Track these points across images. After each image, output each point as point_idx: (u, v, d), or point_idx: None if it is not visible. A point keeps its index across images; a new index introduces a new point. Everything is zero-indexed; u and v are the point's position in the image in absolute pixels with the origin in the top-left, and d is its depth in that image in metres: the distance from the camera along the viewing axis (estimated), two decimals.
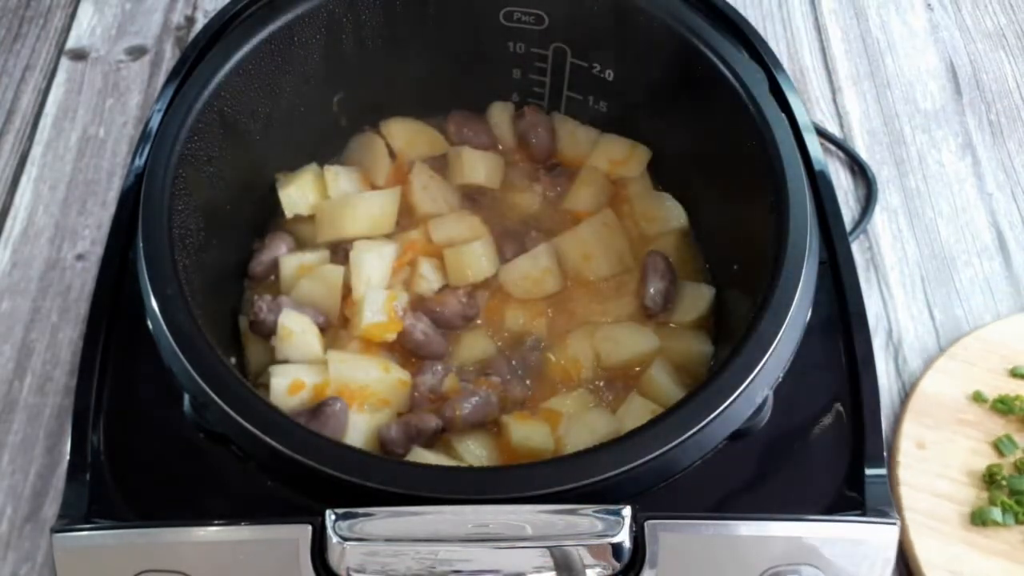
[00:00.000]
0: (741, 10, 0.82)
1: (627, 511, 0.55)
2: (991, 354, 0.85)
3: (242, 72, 0.73)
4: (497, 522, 0.54)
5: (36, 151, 0.94)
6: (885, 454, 0.63)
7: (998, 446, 0.79)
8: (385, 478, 0.56)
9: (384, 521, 0.54)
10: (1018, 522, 0.76)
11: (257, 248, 0.81)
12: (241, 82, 0.73)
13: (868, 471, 0.61)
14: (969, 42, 1.08)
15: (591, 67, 0.84)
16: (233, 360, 0.74)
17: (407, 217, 0.84)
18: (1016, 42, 1.08)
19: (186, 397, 0.61)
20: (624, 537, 0.54)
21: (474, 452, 0.71)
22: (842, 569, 0.57)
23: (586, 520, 0.54)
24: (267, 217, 0.83)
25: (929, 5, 1.11)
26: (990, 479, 0.77)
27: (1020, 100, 1.03)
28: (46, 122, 0.97)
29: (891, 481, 0.75)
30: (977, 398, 0.82)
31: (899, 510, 0.75)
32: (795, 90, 0.77)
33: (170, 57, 1.02)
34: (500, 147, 0.89)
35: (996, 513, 0.75)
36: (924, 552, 0.74)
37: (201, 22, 1.04)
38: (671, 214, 0.84)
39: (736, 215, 0.76)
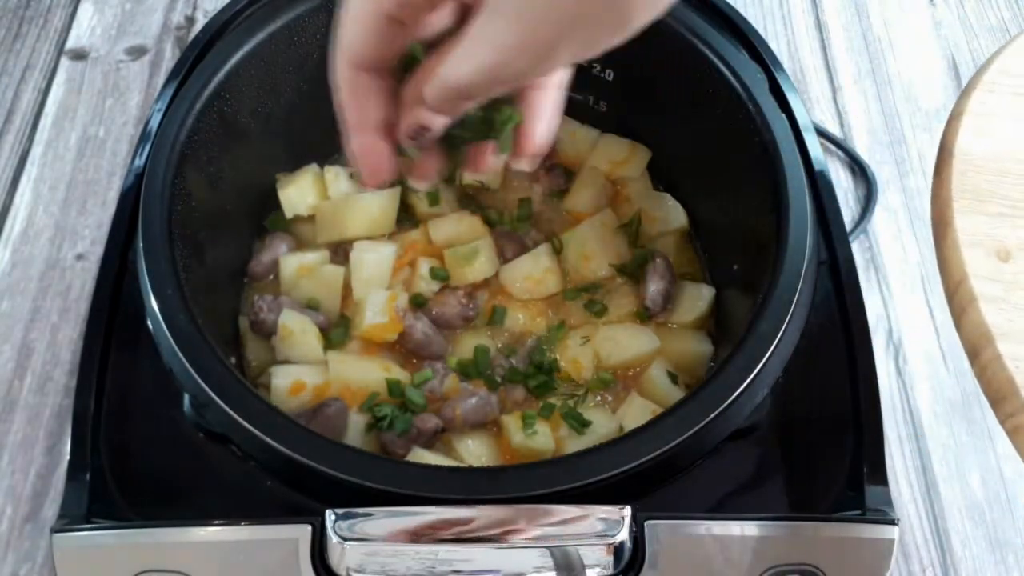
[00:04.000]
0: (741, 9, 0.82)
1: (627, 511, 0.55)
2: None
3: (242, 72, 0.73)
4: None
5: (36, 151, 0.94)
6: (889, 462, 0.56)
7: None
8: (385, 478, 0.56)
9: (384, 521, 0.54)
10: None
11: (257, 248, 0.81)
12: (241, 82, 0.73)
13: (868, 471, 0.61)
14: (972, 38, 1.08)
15: (591, 67, 0.84)
16: (233, 360, 0.74)
17: (407, 217, 0.84)
18: None
19: (186, 397, 0.61)
20: (624, 537, 0.54)
21: (474, 452, 0.71)
22: (842, 569, 0.57)
23: (586, 520, 0.54)
24: (267, 217, 0.83)
25: (932, 1, 1.11)
26: None
27: None
28: (46, 122, 0.97)
29: (974, 340, 0.44)
30: None
31: (1003, 400, 0.43)
32: (795, 90, 0.77)
33: (170, 57, 1.02)
34: None
35: None
36: None
37: (201, 22, 1.04)
38: (671, 214, 0.84)
39: (736, 215, 0.76)
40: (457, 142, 0.52)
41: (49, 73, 1.00)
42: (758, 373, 0.59)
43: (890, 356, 0.86)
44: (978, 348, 0.44)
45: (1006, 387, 0.43)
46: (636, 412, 0.72)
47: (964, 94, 0.54)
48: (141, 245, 0.64)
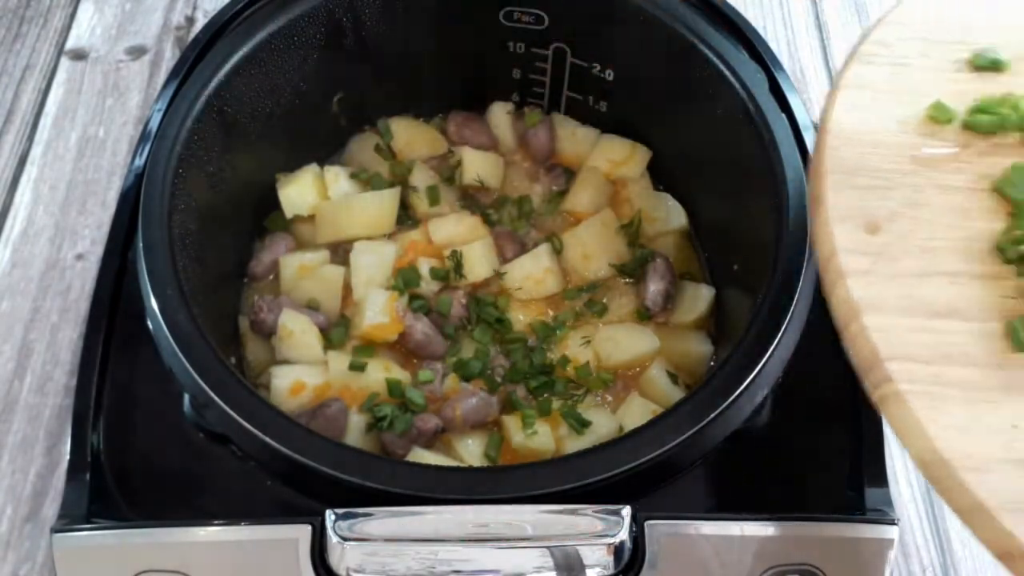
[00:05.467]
0: (741, 9, 0.82)
1: (627, 511, 0.55)
2: (931, 43, 0.53)
3: (242, 72, 0.73)
4: (497, 522, 0.54)
5: (36, 151, 0.94)
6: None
7: (1005, 189, 0.46)
8: (385, 478, 0.56)
9: (384, 521, 0.54)
10: None
11: (257, 248, 0.81)
12: (241, 82, 0.73)
13: (868, 471, 0.61)
14: None
15: (591, 67, 0.84)
16: (233, 360, 0.74)
17: (407, 217, 0.84)
18: None
19: (186, 397, 0.61)
20: (624, 537, 0.54)
21: (474, 452, 0.71)
22: (842, 569, 0.57)
23: (586, 520, 0.54)
24: (267, 217, 0.83)
25: None
26: (1017, 254, 0.44)
27: None
28: (46, 122, 0.97)
29: (842, 313, 0.45)
30: (938, 116, 0.50)
31: (869, 371, 0.43)
32: (795, 90, 0.77)
33: (170, 57, 1.02)
34: (500, 147, 0.89)
35: None
36: (946, 437, 0.40)
37: (201, 22, 1.04)
38: (671, 214, 0.84)
39: (736, 215, 0.76)
40: None
41: (49, 73, 1.00)
42: (758, 373, 0.59)
43: None
44: (846, 321, 0.45)
45: (871, 358, 0.44)
46: (636, 412, 0.72)
47: (843, 68, 0.54)
48: (141, 245, 0.64)
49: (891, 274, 0.45)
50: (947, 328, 0.44)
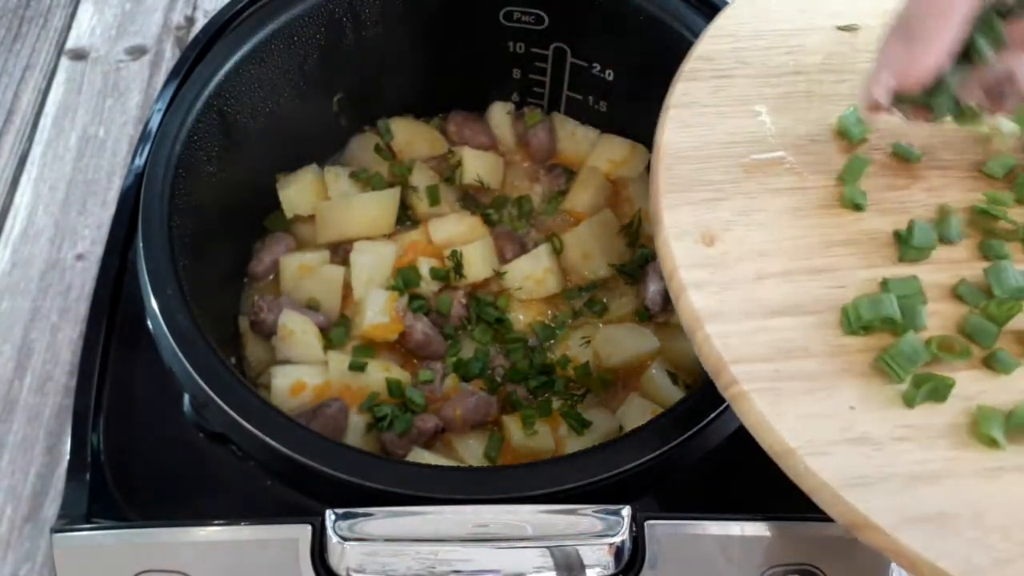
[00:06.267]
0: None
1: (627, 511, 0.55)
2: (749, 51, 0.54)
3: (242, 72, 0.73)
4: (497, 522, 0.54)
5: (36, 151, 0.94)
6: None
7: (845, 178, 0.47)
8: (385, 478, 0.56)
9: (384, 521, 0.54)
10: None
11: (257, 248, 0.81)
12: (241, 82, 0.73)
13: None
14: None
15: (591, 67, 0.84)
16: (233, 360, 0.74)
17: (407, 217, 0.84)
18: None
19: (186, 397, 0.61)
20: (624, 537, 0.54)
21: (474, 452, 0.71)
22: (842, 569, 0.57)
23: (586, 520, 0.54)
24: (267, 217, 0.83)
25: None
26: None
27: None
28: (46, 122, 0.97)
29: (688, 323, 0.48)
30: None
31: (717, 375, 0.47)
32: None
33: (170, 57, 1.02)
34: (500, 147, 0.89)
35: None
36: (791, 428, 0.44)
37: (201, 22, 1.04)
38: None
39: None
40: None
41: (49, 73, 1.00)
42: None
43: None
44: (692, 330, 0.48)
45: (717, 363, 0.47)
46: (636, 412, 0.72)
47: (670, 88, 0.56)
48: (141, 245, 0.64)
49: (728, 281, 0.48)
50: (784, 325, 0.46)
